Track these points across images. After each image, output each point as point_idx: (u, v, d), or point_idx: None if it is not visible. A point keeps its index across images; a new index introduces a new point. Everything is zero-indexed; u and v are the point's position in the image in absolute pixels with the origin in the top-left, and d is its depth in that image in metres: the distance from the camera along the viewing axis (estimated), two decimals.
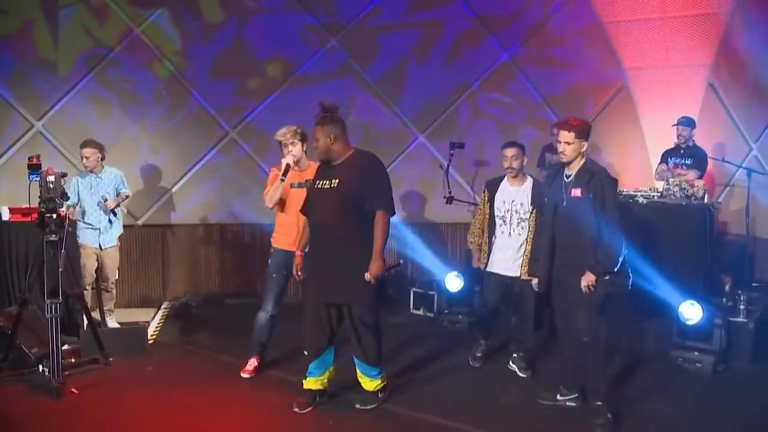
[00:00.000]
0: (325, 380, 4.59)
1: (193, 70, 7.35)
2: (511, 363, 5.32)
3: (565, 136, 4.29)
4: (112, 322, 6.23)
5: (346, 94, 7.64)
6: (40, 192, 4.76)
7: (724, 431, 4.27)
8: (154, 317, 6.76)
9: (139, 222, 7.33)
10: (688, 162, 6.63)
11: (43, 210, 4.72)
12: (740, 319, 5.47)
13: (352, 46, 7.68)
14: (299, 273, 4.67)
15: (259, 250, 7.41)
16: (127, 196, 6.38)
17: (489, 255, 5.27)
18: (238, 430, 4.24)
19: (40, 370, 5.01)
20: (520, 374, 5.21)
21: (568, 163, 4.34)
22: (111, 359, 5.26)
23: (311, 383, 4.55)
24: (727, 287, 6.05)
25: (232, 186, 7.50)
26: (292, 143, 4.95)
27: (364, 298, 4.38)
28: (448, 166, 7.17)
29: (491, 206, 5.27)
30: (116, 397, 4.70)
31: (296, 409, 4.46)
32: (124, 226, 6.61)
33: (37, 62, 6.93)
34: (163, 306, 7.15)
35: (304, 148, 5.01)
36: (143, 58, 7.21)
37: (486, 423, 4.33)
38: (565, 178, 4.37)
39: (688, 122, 6.59)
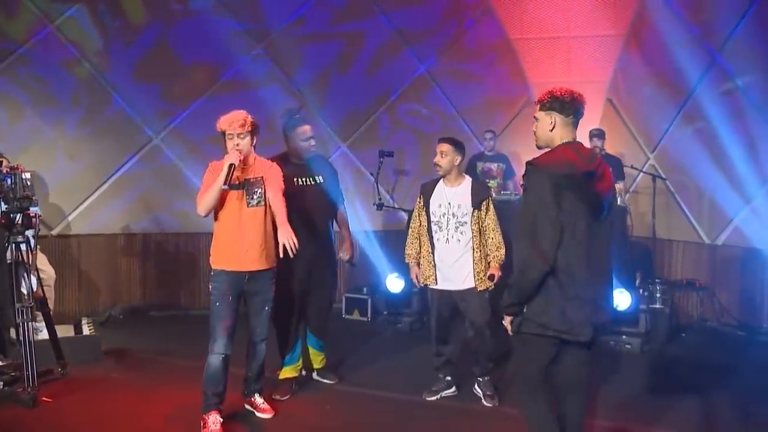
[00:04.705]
0: (300, 366, 5.21)
1: (115, 72, 7.40)
2: (476, 387, 5.09)
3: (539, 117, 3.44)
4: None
5: (272, 101, 8.07)
6: (8, 190, 4.77)
7: (663, 399, 5.16)
8: (80, 331, 6.71)
9: (54, 232, 7.25)
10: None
11: (15, 209, 4.75)
12: (658, 306, 6.61)
13: (278, 54, 8.09)
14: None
15: (185, 260, 7.66)
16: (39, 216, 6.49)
17: (435, 270, 4.92)
18: (237, 423, 4.55)
19: None
20: (486, 403, 4.94)
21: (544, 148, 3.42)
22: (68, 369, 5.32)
23: (288, 372, 5.14)
24: (637, 281, 7.18)
25: (155, 194, 7.61)
26: (240, 135, 4.28)
27: (336, 283, 5.65)
28: (377, 174, 7.79)
29: (427, 213, 4.95)
30: (96, 400, 4.90)
31: (277, 396, 4.95)
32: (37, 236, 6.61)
33: None
34: (84, 321, 7.09)
35: (254, 142, 4.41)
36: (59, 56, 7.16)
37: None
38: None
39: (601, 134, 7.70)
